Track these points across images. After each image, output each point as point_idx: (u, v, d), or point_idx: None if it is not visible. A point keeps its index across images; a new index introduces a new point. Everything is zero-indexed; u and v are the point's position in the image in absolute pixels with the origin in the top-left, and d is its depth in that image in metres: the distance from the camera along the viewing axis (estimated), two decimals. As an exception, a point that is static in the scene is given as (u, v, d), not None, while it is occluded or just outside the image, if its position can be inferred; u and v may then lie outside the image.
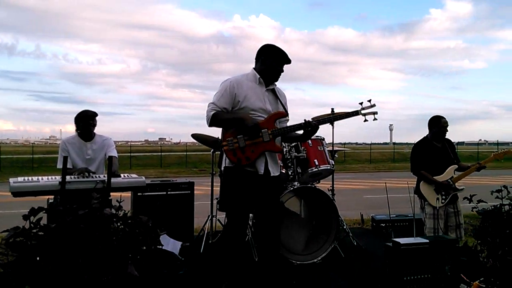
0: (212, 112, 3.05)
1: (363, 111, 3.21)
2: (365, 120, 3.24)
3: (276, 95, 3.19)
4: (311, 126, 3.05)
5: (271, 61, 3.10)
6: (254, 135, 3.01)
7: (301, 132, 3.15)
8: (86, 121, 3.66)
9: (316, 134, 4.18)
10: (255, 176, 3.07)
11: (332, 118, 3.24)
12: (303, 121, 3.08)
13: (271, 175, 3.10)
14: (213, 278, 3.27)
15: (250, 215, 3.80)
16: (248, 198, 3.13)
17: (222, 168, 3.25)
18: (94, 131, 3.78)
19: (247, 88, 3.08)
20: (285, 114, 3.16)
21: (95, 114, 3.73)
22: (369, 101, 3.21)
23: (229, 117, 3.05)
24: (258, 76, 3.11)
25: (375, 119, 3.26)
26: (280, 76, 3.20)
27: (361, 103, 3.22)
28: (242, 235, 3.23)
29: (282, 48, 3.15)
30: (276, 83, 3.24)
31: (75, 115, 3.73)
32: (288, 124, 3.27)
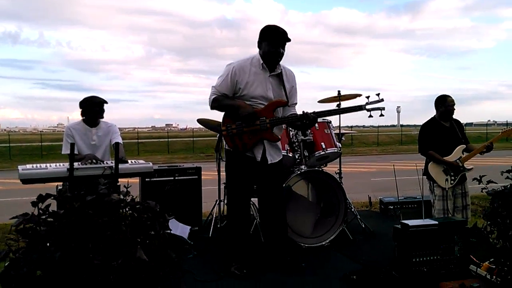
0: (213, 97, 3.08)
1: (368, 106, 3.08)
2: (370, 116, 3.12)
3: (281, 80, 3.13)
4: (308, 118, 3.01)
5: (265, 44, 3.01)
6: (250, 123, 3.00)
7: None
8: (100, 107, 3.63)
9: (323, 118, 4.15)
10: (253, 162, 3.08)
11: (333, 112, 3.14)
12: (302, 113, 3.05)
13: (268, 162, 3.10)
14: (222, 262, 3.29)
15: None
16: (247, 182, 3.14)
17: (224, 151, 3.27)
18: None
19: (249, 74, 3.03)
20: (285, 102, 3.09)
21: (103, 101, 3.68)
22: (378, 94, 3.07)
23: (227, 104, 3.06)
24: (261, 61, 3.06)
25: (381, 115, 3.11)
26: (283, 58, 3.06)
27: (367, 97, 3.09)
28: (244, 218, 3.24)
29: (284, 29, 3.01)
30: (284, 65, 3.17)
31: (80, 100, 3.69)
32: (297, 108, 3.23)
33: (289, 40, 3.02)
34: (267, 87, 3.07)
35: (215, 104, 3.09)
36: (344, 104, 4.51)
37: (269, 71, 3.08)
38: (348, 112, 3.14)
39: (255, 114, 2.99)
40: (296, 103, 3.29)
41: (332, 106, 4.65)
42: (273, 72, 3.09)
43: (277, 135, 3.13)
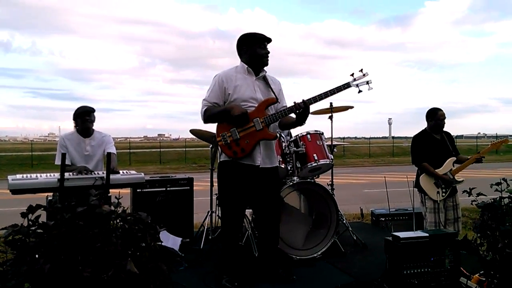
0: (204, 108, 3.10)
1: (355, 82, 3.09)
2: (360, 91, 3.11)
3: (267, 83, 3.18)
4: (301, 107, 3.01)
5: (254, 47, 3.09)
6: (243, 123, 3.00)
7: (294, 116, 3.12)
8: (83, 117, 3.65)
9: (315, 129, 4.18)
10: (251, 169, 3.07)
11: (323, 95, 3.07)
12: (293, 103, 3.05)
13: (261, 166, 3.09)
14: (213, 274, 3.27)
15: (250, 210, 3.80)
16: (244, 192, 3.13)
17: (218, 164, 3.25)
18: (93, 127, 3.77)
19: (236, 79, 3.09)
20: (275, 100, 3.12)
21: (92, 110, 3.71)
22: (361, 70, 3.11)
23: (218, 110, 3.07)
24: (246, 66, 3.12)
25: (370, 88, 3.12)
26: (276, 69, 3.17)
27: (352, 74, 3.11)
28: (238, 229, 3.23)
29: (271, 37, 3.14)
30: (268, 72, 3.22)
31: (73, 112, 3.72)
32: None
33: (270, 40, 3.16)
34: (255, 89, 3.12)
35: (207, 114, 3.10)
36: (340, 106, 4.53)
37: (254, 75, 3.12)
38: (337, 93, 3.08)
39: (247, 114, 3.00)
40: (285, 106, 3.31)
41: (325, 117, 4.67)
42: (258, 76, 3.14)
43: (274, 133, 3.14)
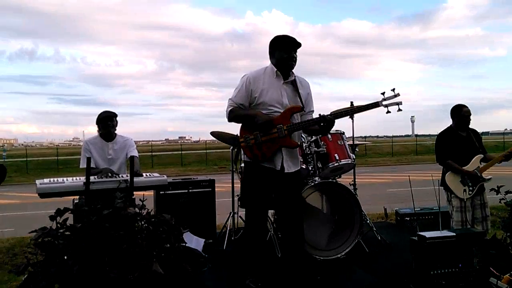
0: (230, 108, 3.11)
1: (384, 102, 3.04)
2: (388, 112, 3.08)
3: (295, 87, 3.16)
4: (326, 120, 3.01)
5: (279, 51, 3.08)
6: (267, 131, 3.00)
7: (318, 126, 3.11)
8: (105, 122, 3.73)
9: (336, 128, 4.13)
10: (272, 172, 3.07)
11: (350, 111, 3.07)
12: (318, 116, 3.04)
13: (285, 171, 3.09)
14: (237, 275, 3.28)
15: (271, 211, 3.80)
16: (266, 194, 3.13)
17: (242, 164, 3.26)
18: (116, 131, 3.84)
19: (263, 82, 3.08)
20: (300, 108, 3.11)
21: (114, 115, 3.79)
22: (393, 90, 3.05)
23: (243, 114, 3.08)
24: (275, 69, 3.11)
25: (399, 109, 3.07)
26: (296, 66, 3.11)
27: (383, 93, 3.06)
28: (262, 230, 3.23)
29: (293, 36, 3.09)
30: (296, 74, 3.20)
31: (96, 117, 3.80)
32: (314, 115, 3.22)
33: (300, 44, 3.10)
34: (282, 93, 3.10)
35: (232, 115, 3.12)
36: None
37: (283, 79, 3.11)
38: (365, 110, 3.08)
39: (271, 121, 3.01)
40: (313, 111, 3.29)
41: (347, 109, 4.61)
42: (287, 80, 3.12)
43: (296, 141, 3.13)
